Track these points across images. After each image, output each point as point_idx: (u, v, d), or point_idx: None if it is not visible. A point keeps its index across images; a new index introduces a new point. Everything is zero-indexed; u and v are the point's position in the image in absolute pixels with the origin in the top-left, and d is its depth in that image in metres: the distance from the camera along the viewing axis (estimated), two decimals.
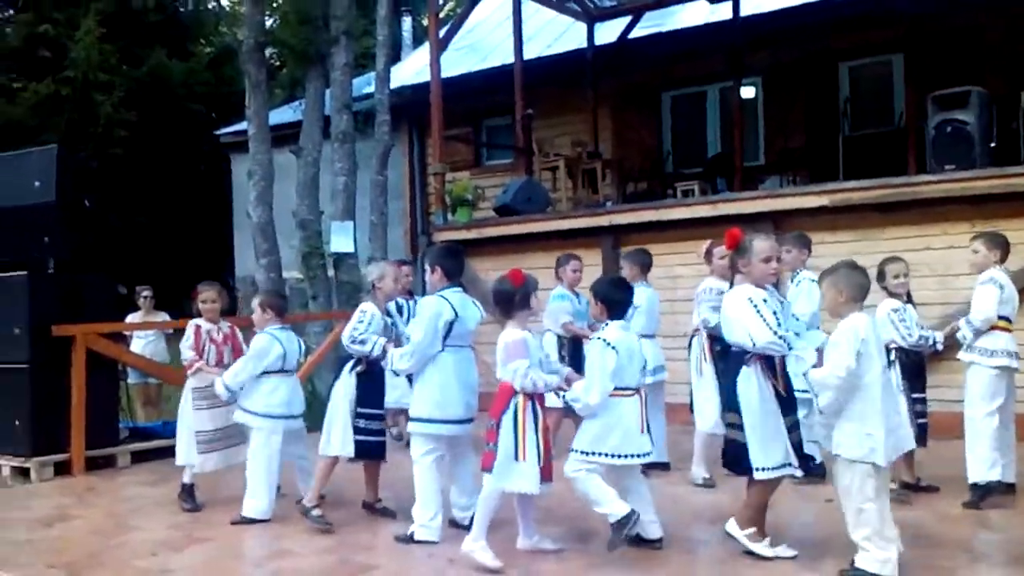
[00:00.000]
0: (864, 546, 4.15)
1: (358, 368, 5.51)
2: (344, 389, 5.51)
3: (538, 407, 4.61)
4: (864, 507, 4.13)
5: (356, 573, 4.64)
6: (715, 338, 6.01)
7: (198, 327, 6.29)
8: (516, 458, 4.51)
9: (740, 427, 4.45)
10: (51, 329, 7.36)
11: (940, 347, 5.76)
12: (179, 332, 11.17)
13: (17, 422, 7.36)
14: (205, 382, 6.12)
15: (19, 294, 7.42)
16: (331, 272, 11.80)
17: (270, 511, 5.73)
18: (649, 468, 6.41)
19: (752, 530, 4.51)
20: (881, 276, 5.69)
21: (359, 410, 5.47)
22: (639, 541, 4.76)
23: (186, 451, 6.18)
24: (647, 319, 6.63)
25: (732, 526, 4.58)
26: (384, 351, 5.36)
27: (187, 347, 6.25)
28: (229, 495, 6.34)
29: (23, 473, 7.30)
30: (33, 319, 7.35)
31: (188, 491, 6.21)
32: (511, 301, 4.71)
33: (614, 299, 4.74)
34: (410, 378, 5.39)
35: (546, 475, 4.59)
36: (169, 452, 7.99)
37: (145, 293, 10.25)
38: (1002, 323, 5.50)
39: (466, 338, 5.18)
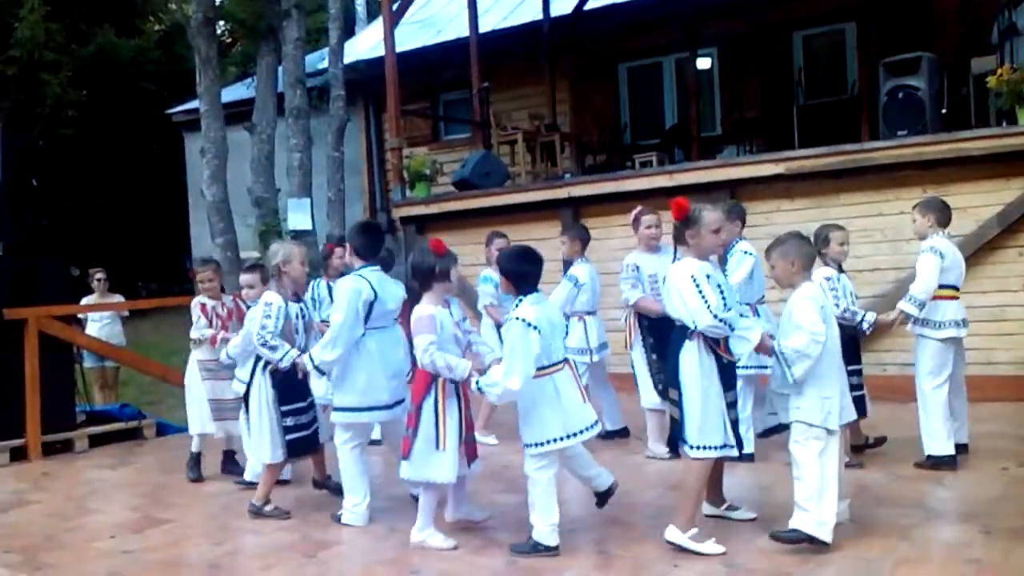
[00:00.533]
0: (804, 506, 4.10)
1: (269, 366, 5.15)
2: (262, 392, 5.17)
3: (461, 391, 4.47)
4: (809, 468, 4.12)
5: (318, 549, 4.62)
6: (642, 315, 6.00)
7: (203, 304, 6.23)
8: (437, 447, 4.37)
9: (675, 403, 4.28)
10: (2, 312, 7.21)
11: (867, 327, 5.58)
12: (135, 314, 11.08)
13: None
14: (209, 355, 6.12)
15: None
16: None
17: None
18: (609, 436, 6.48)
19: (694, 531, 4.22)
20: (825, 242, 5.58)
21: (283, 408, 5.15)
22: (599, 497, 4.65)
23: (198, 420, 6.20)
24: (590, 296, 6.58)
25: (673, 533, 4.23)
26: (293, 364, 5.04)
27: (202, 326, 6.18)
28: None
29: None
30: None
31: (195, 460, 6.26)
32: (431, 273, 4.50)
33: (521, 271, 4.35)
34: None
35: (470, 455, 4.54)
36: (127, 435, 8.01)
37: (99, 275, 10.09)
38: (946, 292, 5.44)
39: (388, 318, 4.97)
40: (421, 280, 4.54)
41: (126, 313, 10.43)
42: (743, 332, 4.25)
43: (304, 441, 5.24)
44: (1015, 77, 7.43)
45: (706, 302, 4.15)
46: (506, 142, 12.15)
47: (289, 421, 5.16)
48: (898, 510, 4.68)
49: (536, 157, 12.36)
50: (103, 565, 4.58)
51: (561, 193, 9.67)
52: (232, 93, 15.08)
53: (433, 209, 10.50)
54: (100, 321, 9.88)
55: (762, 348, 4.28)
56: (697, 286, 4.17)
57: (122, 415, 8.33)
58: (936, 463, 5.43)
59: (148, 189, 20.96)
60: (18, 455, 7.26)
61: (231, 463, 6.33)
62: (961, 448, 5.61)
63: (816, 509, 4.08)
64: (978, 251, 7.36)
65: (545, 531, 4.28)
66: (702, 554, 4.14)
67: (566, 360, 4.38)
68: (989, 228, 7.44)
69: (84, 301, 9.75)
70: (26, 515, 5.66)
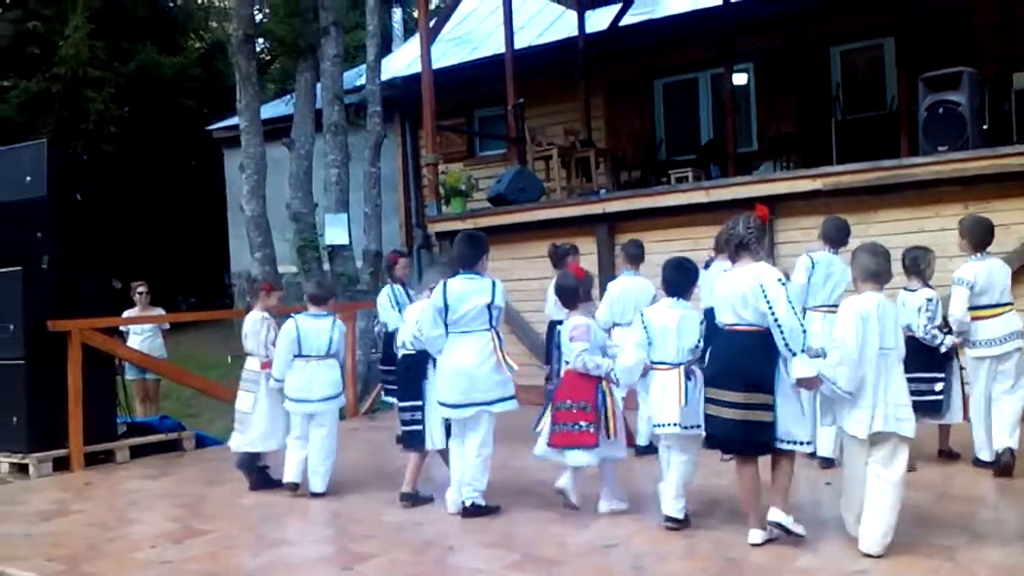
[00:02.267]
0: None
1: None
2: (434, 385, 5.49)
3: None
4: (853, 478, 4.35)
5: (354, 562, 4.64)
6: None
7: (267, 320, 6.39)
8: (609, 435, 5.06)
9: (770, 407, 4.38)
10: (47, 324, 7.33)
11: (944, 349, 5.85)
12: (175, 327, 11.23)
13: (15, 418, 7.35)
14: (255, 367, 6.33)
15: (13, 290, 7.39)
16: (326, 265, 11.79)
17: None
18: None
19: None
20: (929, 264, 5.97)
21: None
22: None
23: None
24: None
25: (778, 515, 4.45)
26: None
27: (269, 343, 6.22)
28: (229, 488, 6.38)
29: (21, 469, 7.29)
30: (28, 315, 7.33)
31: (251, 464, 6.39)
32: (575, 293, 5.29)
33: (666, 277, 5.06)
34: None
35: (629, 442, 5.56)
36: (167, 447, 8.10)
37: (141, 289, 10.24)
38: (981, 312, 5.67)
39: (468, 323, 5.25)
40: (565, 299, 5.39)
41: (167, 326, 10.56)
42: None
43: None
44: None
45: (795, 312, 4.34)
46: (541, 158, 12.19)
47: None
48: (942, 531, 4.61)
49: (571, 173, 12.38)
50: (144, 575, 4.64)
51: (596, 209, 9.68)
52: (271, 110, 15.29)
53: (468, 224, 10.52)
54: (142, 334, 10.01)
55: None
56: (788, 293, 4.37)
57: (162, 427, 8.43)
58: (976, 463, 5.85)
59: (188, 204, 21.25)
60: (61, 465, 7.37)
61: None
62: (980, 463, 5.83)
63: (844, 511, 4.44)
64: (1020, 269, 7.24)
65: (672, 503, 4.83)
66: (794, 533, 4.45)
67: (676, 367, 4.83)
68: None
69: (126, 314, 9.89)
70: (68, 524, 5.74)
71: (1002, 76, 9.82)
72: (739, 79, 12.89)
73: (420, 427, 5.57)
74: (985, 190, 7.51)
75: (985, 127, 8.72)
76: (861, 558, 4.21)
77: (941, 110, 8.21)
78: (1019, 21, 10.02)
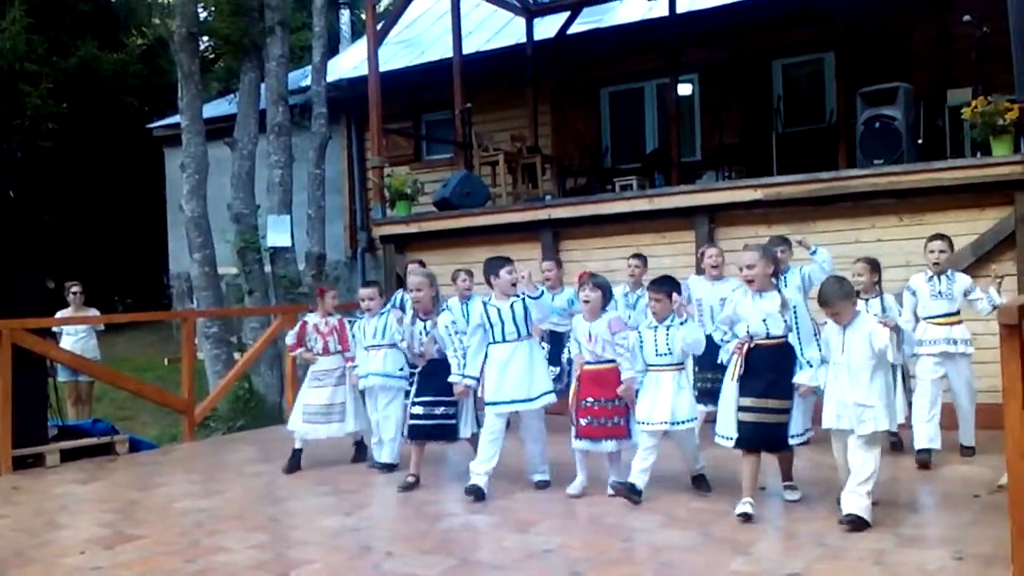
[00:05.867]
0: (862, 493, 4.86)
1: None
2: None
3: None
4: (875, 468, 4.88)
5: (290, 568, 4.58)
6: None
7: (304, 323, 7.13)
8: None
9: (788, 411, 5.15)
10: None
11: None
12: (110, 328, 11.00)
13: None
14: (317, 365, 7.00)
15: None
16: (268, 267, 11.64)
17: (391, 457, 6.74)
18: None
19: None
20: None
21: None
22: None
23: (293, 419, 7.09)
24: None
25: (792, 493, 5.40)
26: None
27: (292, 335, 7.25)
28: (162, 492, 6.26)
29: None
30: None
31: (293, 455, 6.95)
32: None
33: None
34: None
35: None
36: (99, 451, 7.93)
37: (75, 289, 10.03)
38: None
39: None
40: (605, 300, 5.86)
41: (101, 327, 10.35)
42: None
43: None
44: (989, 109, 7.55)
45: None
46: (487, 163, 12.20)
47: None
48: (871, 535, 4.70)
49: (517, 178, 12.41)
50: None
51: (541, 215, 9.71)
52: (214, 108, 15.08)
53: (413, 228, 10.51)
54: (75, 335, 9.80)
55: None
56: None
57: (95, 430, 8.25)
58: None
59: (127, 203, 20.82)
60: None
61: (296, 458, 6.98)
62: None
63: (868, 499, 4.89)
64: None
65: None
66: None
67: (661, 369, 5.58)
68: (963, 258, 7.51)
69: (59, 314, 9.67)
70: None
71: (937, 92, 10.09)
72: (684, 90, 13.06)
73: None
74: (919, 203, 7.71)
75: (920, 142, 8.94)
76: (793, 561, 4.29)
77: (878, 124, 8.40)
78: (954, 39, 10.29)
